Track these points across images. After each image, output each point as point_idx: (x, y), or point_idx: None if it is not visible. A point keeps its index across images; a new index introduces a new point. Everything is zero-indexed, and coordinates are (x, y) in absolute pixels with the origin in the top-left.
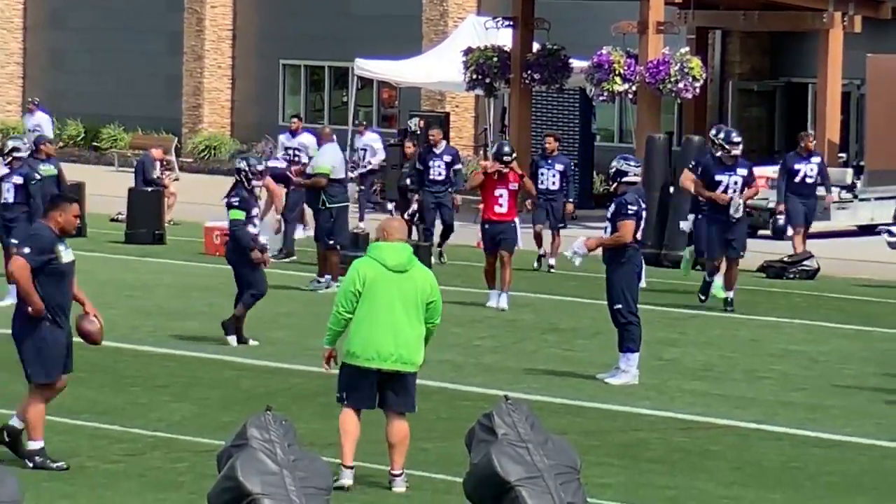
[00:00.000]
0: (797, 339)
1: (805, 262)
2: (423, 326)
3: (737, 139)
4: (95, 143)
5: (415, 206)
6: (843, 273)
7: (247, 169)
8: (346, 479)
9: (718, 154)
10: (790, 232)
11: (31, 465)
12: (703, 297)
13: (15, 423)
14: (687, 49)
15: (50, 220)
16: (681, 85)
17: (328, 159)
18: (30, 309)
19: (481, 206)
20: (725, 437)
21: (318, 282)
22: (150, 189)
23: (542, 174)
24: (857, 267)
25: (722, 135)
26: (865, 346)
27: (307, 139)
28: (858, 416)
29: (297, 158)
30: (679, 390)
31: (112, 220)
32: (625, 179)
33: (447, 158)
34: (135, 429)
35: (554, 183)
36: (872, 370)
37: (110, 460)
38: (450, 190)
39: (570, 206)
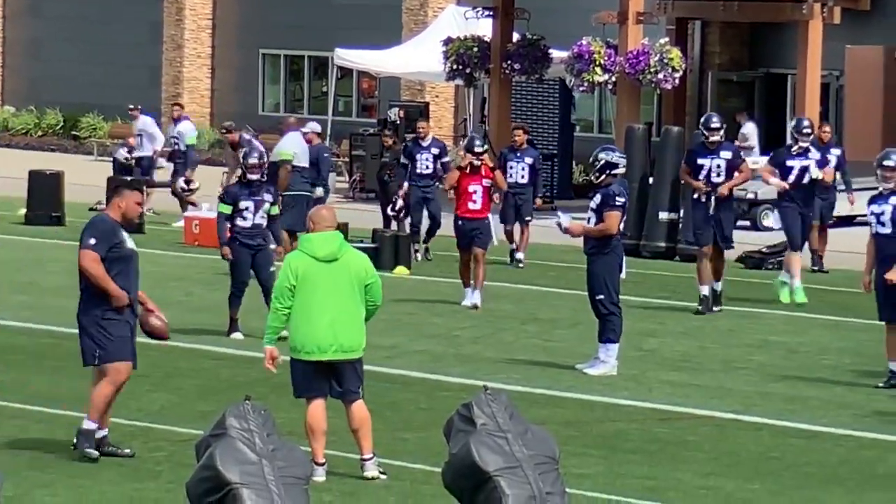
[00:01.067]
0: (776, 330)
1: (784, 253)
2: (362, 310)
3: (715, 125)
4: (75, 133)
5: (401, 202)
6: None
7: (242, 161)
8: (319, 476)
9: (701, 140)
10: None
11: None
12: (702, 311)
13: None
14: (666, 40)
15: (111, 208)
16: (660, 76)
17: (290, 146)
18: (114, 301)
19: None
20: (704, 428)
21: None
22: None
23: (511, 167)
24: (835, 258)
25: (703, 120)
26: (843, 336)
27: (184, 127)
28: (836, 407)
29: (176, 147)
30: (658, 381)
31: (91, 209)
32: (615, 171)
33: (435, 151)
34: (114, 418)
35: (523, 177)
36: (850, 361)
37: None
38: (438, 184)
39: (538, 202)
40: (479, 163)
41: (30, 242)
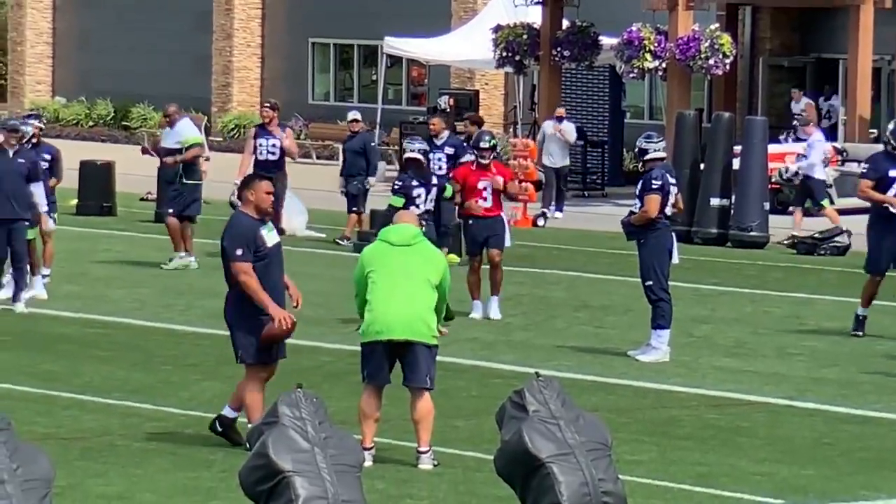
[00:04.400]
0: (829, 316)
1: (836, 238)
2: (433, 296)
3: None
4: (125, 123)
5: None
6: None
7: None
8: (366, 462)
9: (888, 149)
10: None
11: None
12: (859, 333)
13: (227, 412)
14: (717, 25)
15: (244, 203)
16: (711, 61)
17: (192, 132)
18: (275, 321)
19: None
20: (757, 414)
21: (181, 257)
22: None
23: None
24: None
25: (891, 126)
26: None
27: None
28: (890, 392)
29: None
30: (710, 367)
31: (141, 199)
32: (647, 157)
33: (449, 151)
34: (166, 407)
35: None
36: None
37: (142, 439)
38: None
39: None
40: (487, 161)
41: (81, 232)
